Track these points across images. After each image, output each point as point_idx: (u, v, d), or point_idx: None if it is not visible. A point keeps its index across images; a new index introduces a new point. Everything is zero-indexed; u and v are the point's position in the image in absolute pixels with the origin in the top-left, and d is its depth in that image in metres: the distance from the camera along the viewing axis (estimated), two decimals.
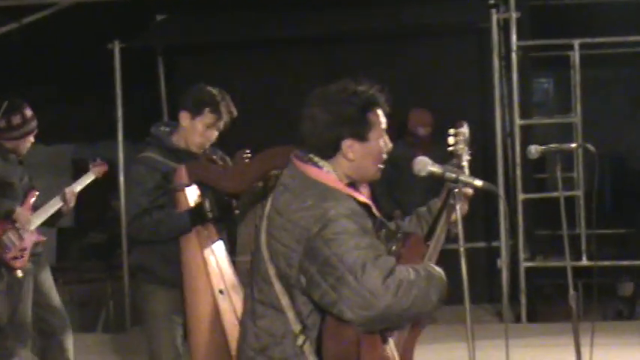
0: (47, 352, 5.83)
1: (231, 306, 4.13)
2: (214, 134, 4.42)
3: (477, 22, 8.17)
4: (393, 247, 2.67)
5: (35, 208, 5.74)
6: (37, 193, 5.83)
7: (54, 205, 5.74)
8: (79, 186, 5.82)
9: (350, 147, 2.55)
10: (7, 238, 5.51)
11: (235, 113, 4.36)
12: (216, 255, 4.24)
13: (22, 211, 5.59)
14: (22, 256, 5.58)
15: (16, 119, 5.54)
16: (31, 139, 5.72)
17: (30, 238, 5.67)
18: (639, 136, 11.23)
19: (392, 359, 2.57)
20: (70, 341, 5.85)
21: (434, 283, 2.47)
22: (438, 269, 2.55)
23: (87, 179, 5.78)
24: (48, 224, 5.95)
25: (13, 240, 5.57)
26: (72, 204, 5.73)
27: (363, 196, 2.61)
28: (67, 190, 5.65)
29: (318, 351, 2.50)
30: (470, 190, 2.74)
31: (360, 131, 2.56)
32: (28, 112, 5.59)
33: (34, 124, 5.67)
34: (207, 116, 4.36)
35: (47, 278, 5.90)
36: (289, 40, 8.74)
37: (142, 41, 8.97)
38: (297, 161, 2.61)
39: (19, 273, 5.50)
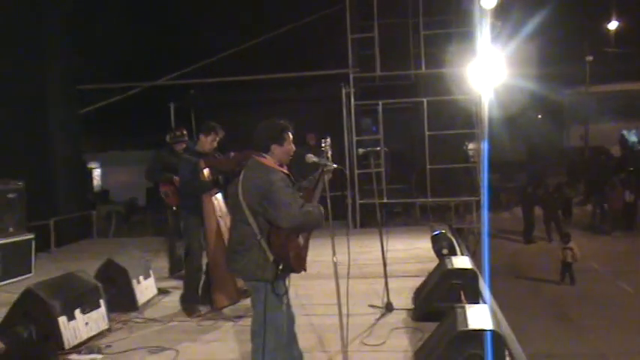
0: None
1: (225, 223, 5.49)
2: (215, 144, 5.65)
3: (336, 93, 11.99)
4: (300, 194, 3.55)
5: None
6: None
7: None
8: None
9: (275, 148, 3.54)
10: (170, 192, 7.18)
11: (223, 134, 5.64)
12: (218, 200, 5.69)
13: (177, 179, 6.63)
14: (175, 201, 7.11)
15: (178, 132, 7.29)
16: (184, 145, 7.04)
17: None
18: (405, 144, 14.11)
19: (301, 244, 3.48)
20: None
21: (319, 213, 3.45)
22: (320, 206, 3.48)
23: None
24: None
25: (170, 193, 7.17)
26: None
27: (285, 170, 3.51)
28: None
29: (267, 243, 3.37)
30: (331, 169, 3.71)
31: (280, 141, 3.54)
32: (183, 130, 7.23)
33: (185, 137, 7.18)
34: (212, 136, 5.59)
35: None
36: (249, 100, 12.97)
37: (183, 104, 13.10)
38: (254, 156, 3.53)
39: (174, 208, 7.24)
